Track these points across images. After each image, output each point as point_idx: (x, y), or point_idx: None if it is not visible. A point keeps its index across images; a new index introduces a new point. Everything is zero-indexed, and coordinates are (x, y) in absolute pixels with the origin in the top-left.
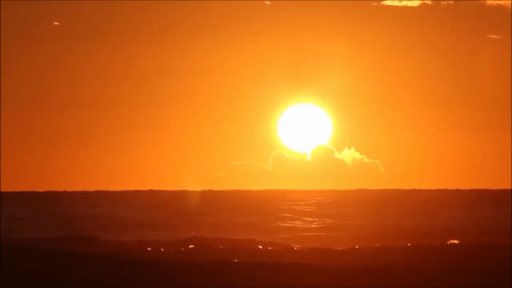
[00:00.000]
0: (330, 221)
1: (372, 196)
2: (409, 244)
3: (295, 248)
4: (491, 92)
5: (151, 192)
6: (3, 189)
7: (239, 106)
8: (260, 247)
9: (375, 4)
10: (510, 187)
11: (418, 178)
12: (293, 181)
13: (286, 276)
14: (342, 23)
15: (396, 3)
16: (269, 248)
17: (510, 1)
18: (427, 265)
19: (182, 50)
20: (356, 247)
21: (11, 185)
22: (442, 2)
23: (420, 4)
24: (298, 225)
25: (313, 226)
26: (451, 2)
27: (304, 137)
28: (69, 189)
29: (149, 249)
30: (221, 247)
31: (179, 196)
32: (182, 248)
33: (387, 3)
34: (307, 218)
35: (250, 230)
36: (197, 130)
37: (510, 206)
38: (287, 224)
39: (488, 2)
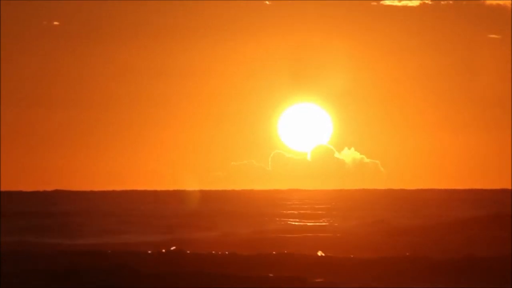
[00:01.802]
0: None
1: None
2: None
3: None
4: (491, 92)
5: (150, 192)
6: (3, 189)
7: (239, 106)
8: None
9: (375, 3)
10: (510, 187)
11: (418, 178)
12: (293, 181)
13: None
14: (342, 23)
15: (396, 3)
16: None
17: (510, 1)
18: None
19: (182, 50)
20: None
21: (10, 185)
22: (442, 2)
23: (420, 4)
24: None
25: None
26: (450, 2)
27: (305, 136)
28: (69, 188)
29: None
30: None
31: (178, 196)
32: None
33: (387, 2)
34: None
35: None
36: (197, 130)
37: (510, 206)
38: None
39: (488, 2)
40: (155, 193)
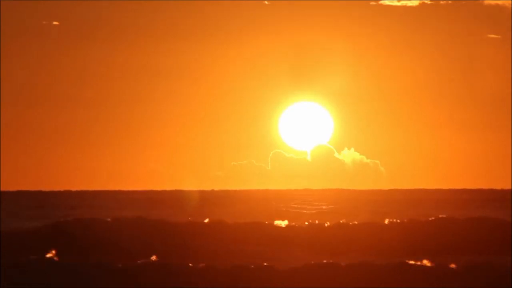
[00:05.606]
0: None
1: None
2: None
3: None
4: (490, 92)
5: (151, 192)
6: (2, 189)
7: (239, 106)
8: None
9: (374, 3)
10: (510, 187)
11: (418, 178)
12: (293, 181)
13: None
14: (341, 23)
15: (395, 3)
16: None
17: (509, 1)
18: None
19: (181, 50)
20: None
21: (10, 185)
22: (441, 2)
23: (419, 3)
24: None
25: None
26: (450, 1)
27: (305, 135)
28: (69, 188)
29: None
30: None
31: (176, 196)
32: None
33: (386, 2)
34: None
35: None
36: (197, 130)
37: (510, 206)
38: None
39: (487, 2)
40: (154, 193)
